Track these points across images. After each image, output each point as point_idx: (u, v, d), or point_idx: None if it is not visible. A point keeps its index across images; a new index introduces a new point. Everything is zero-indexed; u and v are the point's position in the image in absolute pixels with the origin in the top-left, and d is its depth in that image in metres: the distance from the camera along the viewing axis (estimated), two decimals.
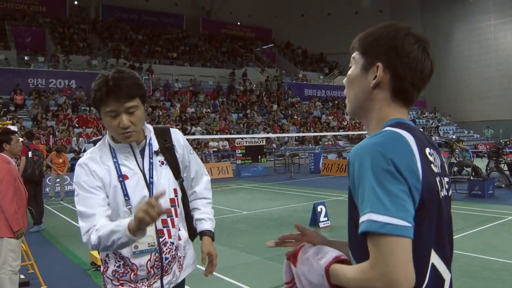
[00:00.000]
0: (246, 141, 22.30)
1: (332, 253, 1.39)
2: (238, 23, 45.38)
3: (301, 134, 28.46)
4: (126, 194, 2.11)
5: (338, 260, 1.36)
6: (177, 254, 2.26)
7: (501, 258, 6.61)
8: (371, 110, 1.39)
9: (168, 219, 2.22)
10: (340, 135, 30.94)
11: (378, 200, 1.15)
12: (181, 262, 2.30)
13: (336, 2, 45.15)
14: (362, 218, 1.17)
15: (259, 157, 22.24)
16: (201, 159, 22.05)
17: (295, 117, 31.55)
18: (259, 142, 22.58)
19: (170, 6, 41.00)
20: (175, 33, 39.11)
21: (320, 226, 9.09)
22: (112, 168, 2.13)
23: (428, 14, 43.10)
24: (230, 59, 38.43)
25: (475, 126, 37.98)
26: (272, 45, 44.02)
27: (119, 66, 29.57)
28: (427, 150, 1.30)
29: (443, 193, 1.32)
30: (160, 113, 25.66)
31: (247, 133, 26.26)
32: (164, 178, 2.23)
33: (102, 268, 2.21)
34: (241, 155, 21.98)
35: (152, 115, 25.10)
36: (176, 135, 2.36)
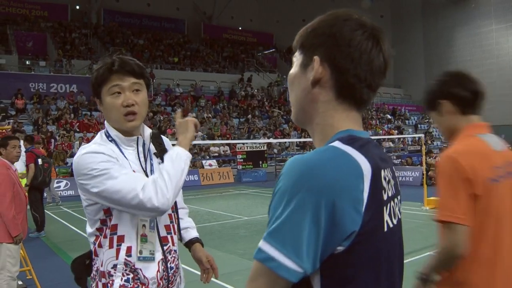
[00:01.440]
0: (247, 146, 22.27)
1: None
2: (240, 28, 45.43)
3: (302, 140, 28.38)
4: None
5: None
6: (179, 263, 2.15)
7: None
8: (314, 114, 1.16)
9: (171, 225, 2.11)
10: None
11: (282, 228, 0.98)
12: (180, 273, 2.20)
13: (337, 7, 44.53)
14: (260, 244, 1.01)
15: (260, 162, 22.22)
16: (202, 164, 22.05)
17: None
18: (260, 147, 22.56)
19: (171, 11, 41.04)
20: (177, 37, 39.15)
21: None
22: (123, 159, 1.95)
23: (430, 19, 43.10)
24: (232, 64, 38.46)
25: None
26: (273, 50, 44.05)
27: None
28: (383, 173, 1.09)
29: (389, 225, 1.10)
30: (162, 118, 25.65)
31: (248, 138, 26.25)
32: None
33: (100, 285, 1.96)
34: (242, 160, 21.96)
35: (153, 120, 25.08)
36: (167, 140, 2.24)
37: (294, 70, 1.21)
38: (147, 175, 1.99)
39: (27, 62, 28.63)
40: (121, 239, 1.93)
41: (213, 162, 22.89)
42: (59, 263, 7.53)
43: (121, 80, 1.92)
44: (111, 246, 1.93)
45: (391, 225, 1.11)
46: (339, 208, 0.96)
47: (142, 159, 2.04)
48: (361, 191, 1.00)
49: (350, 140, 1.08)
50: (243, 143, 22.72)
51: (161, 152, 2.09)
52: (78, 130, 22.77)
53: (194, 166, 21.82)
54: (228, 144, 25.08)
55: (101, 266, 1.95)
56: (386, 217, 1.08)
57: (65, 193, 17.57)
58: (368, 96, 1.14)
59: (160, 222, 2.05)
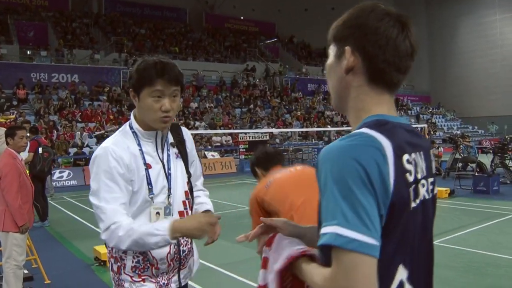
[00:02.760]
0: (249, 136, 22.26)
1: (288, 252, 1.33)
2: (242, 18, 45.24)
3: (304, 129, 28.40)
4: (149, 183, 2.10)
5: (303, 255, 1.30)
6: (192, 248, 2.31)
7: (507, 255, 6.57)
8: (348, 99, 1.28)
9: (184, 211, 2.24)
10: (343, 130, 30.86)
11: (347, 213, 1.04)
12: (194, 256, 2.35)
13: None
14: (326, 229, 1.06)
15: None
16: (204, 154, 22.07)
17: (299, 112, 31.48)
18: (262, 137, 22.55)
19: (173, 0, 40.89)
20: (178, 27, 39.00)
21: None
22: (138, 155, 2.11)
23: (433, 9, 42.92)
24: (234, 54, 38.34)
25: (479, 122, 37.91)
26: (275, 39, 43.90)
27: (122, 60, 29.73)
28: (405, 157, 1.15)
29: (415, 203, 1.19)
30: None
31: (250, 128, 26.23)
32: (180, 170, 2.25)
33: (115, 266, 2.15)
34: (244, 150, 21.95)
35: None
36: (185, 130, 2.39)
37: (329, 61, 1.32)
38: (163, 164, 2.18)
39: (28, 52, 28.53)
40: None
41: (215, 153, 22.88)
42: (64, 252, 7.56)
43: (165, 87, 2.04)
44: None
45: (415, 205, 1.18)
46: (376, 181, 1.06)
47: (159, 150, 2.19)
48: (387, 170, 1.09)
49: (377, 124, 1.17)
50: (245, 133, 22.70)
51: (178, 142, 2.28)
52: (80, 120, 22.76)
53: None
54: (230, 134, 25.07)
55: (112, 251, 2.16)
56: (411, 196, 1.16)
57: (67, 183, 17.59)
58: (397, 79, 1.24)
59: (174, 209, 2.18)
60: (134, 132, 2.15)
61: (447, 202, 11.23)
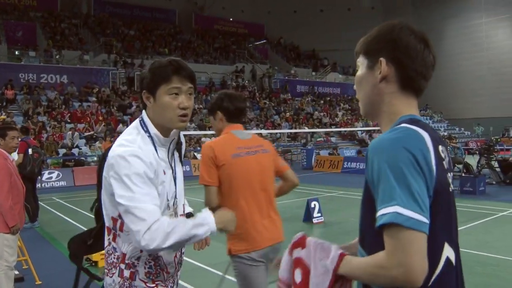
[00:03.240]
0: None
1: (336, 251, 1.46)
2: (231, 19, 45.30)
3: (293, 130, 28.50)
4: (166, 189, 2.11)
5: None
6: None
7: (494, 253, 6.70)
8: (381, 104, 1.47)
9: (185, 216, 2.28)
10: (332, 131, 31.02)
11: (403, 194, 1.22)
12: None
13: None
14: (386, 210, 1.23)
15: None
16: (194, 155, 22.06)
17: (287, 113, 31.58)
18: None
19: (162, 1, 40.83)
20: (168, 28, 38.97)
21: (314, 222, 9.16)
22: (158, 161, 2.05)
23: (421, 11, 43.24)
24: (223, 55, 38.37)
25: (466, 123, 38.25)
26: (264, 41, 43.99)
27: (111, 61, 29.64)
28: (440, 148, 1.37)
29: (451, 188, 1.42)
30: None
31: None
32: (181, 174, 2.27)
33: (126, 272, 2.06)
34: None
35: None
36: (181, 134, 2.34)
37: (361, 72, 1.53)
38: (172, 169, 2.15)
39: (16, 52, 28.37)
40: None
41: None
42: (55, 253, 7.57)
43: (182, 83, 2.05)
44: None
45: (451, 190, 1.42)
46: (423, 165, 1.26)
47: (170, 155, 2.16)
48: (430, 157, 1.29)
49: (413, 121, 1.37)
50: None
51: (179, 146, 2.28)
52: (69, 120, 22.66)
53: (185, 157, 21.81)
54: None
55: (125, 258, 2.05)
56: (449, 181, 1.41)
57: (57, 184, 17.52)
58: (423, 86, 1.47)
59: (178, 213, 2.20)
60: (150, 137, 2.07)
61: None
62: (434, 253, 1.30)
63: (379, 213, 1.25)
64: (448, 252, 1.36)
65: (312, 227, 9.01)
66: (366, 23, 45.89)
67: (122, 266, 2.05)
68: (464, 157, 15.42)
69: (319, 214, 9.36)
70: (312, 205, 9.36)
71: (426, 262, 1.23)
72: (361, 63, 1.52)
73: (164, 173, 2.07)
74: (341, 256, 1.41)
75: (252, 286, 3.11)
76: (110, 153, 1.98)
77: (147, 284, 2.06)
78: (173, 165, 2.17)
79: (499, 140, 21.12)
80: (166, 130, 2.10)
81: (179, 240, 1.88)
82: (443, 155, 1.37)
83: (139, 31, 36.46)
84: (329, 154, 24.11)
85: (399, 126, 1.35)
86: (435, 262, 1.31)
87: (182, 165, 2.31)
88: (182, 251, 2.24)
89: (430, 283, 1.31)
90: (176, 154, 2.24)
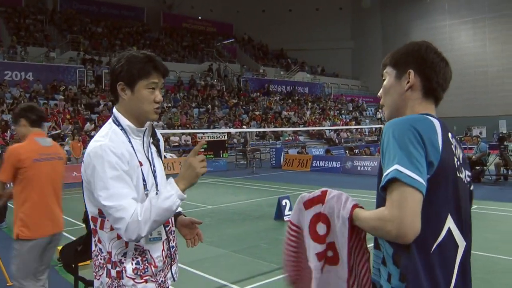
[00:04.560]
0: (208, 136, 22.29)
1: (351, 203, 1.71)
2: (200, 18, 45.15)
3: (262, 129, 28.64)
4: (144, 179, 2.12)
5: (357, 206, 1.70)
6: (177, 243, 2.34)
7: (474, 250, 6.93)
8: (406, 109, 1.74)
9: None
10: (300, 130, 31.31)
11: (403, 157, 1.46)
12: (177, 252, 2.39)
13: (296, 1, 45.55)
14: (389, 170, 1.47)
15: (221, 152, 22.30)
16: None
17: (256, 112, 31.71)
18: (220, 137, 22.62)
19: None
20: (136, 26, 38.56)
21: (285, 219, 9.28)
22: (131, 151, 2.10)
23: (388, 12, 44.02)
24: (191, 54, 38.23)
25: None
26: (233, 40, 44.01)
27: (79, 59, 29.17)
28: (450, 134, 1.65)
29: (461, 174, 1.65)
30: None
31: (208, 128, 26.26)
32: (160, 167, 2.29)
33: (113, 272, 2.07)
34: (202, 150, 22.00)
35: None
36: (157, 131, 2.41)
37: (389, 81, 1.81)
38: (149, 162, 2.20)
39: None
40: None
41: (173, 154, 22.82)
42: None
43: (159, 79, 2.18)
44: (119, 237, 2.05)
45: (461, 176, 1.65)
46: (428, 140, 1.51)
47: (145, 147, 2.21)
48: (436, 137, 1.55)
49: (427, 114, 1.66)
50: (203, 133, 22.70)
51: (156, 141, 2.32)
52: None
53: None
54: (188, 134, 25.03)
55: (111, 256, 2.08)
56: (456, 164, 1.62)
57: None
58: (442, 96, 1.77)
59: None
60: (123, 129, 2.14)
61: None
62: (437, 222, 1.53)
63: (385, 173, 1.49)
64: (450, 224, 1.56)
65: (284, 225, 9.12)
66: (334, 23, 46.63)
67: (109, 266, 2.08)
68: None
69: (290, 212, 9.48)
70: (283, 203, 9.50)
71: (418, 223, 1.43)
72: (389, 73, 1.82)
73: (142, 164, 2.12)
74: (353, 208, 1.65)
75: (28, 267, 3.87)
76: (86, 152, 2.06)
77: (135, 281, 2.07)
78: (150, 158, 2.21)
79: (462, 139, 21.73)
80: (140, 122, 2.18)
81: (155, 220, 1.93)
82: (452, 141, 1.64)
83: (107, 29, 35.98)
84: (298, 153, 24.34)
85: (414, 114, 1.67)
86: (437, 231, 1.53)
87: (162, 161, 2.34)
88: (171, 245, 2.25)
89: (432, 249, 1.51)
90: (154, 149, 2.28)
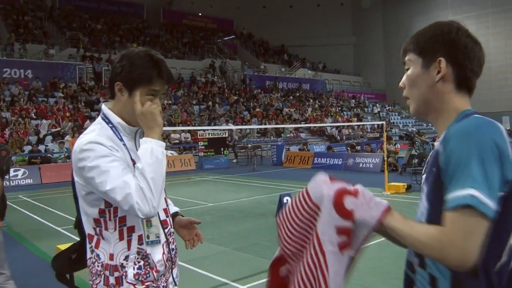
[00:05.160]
0: (208, 133, 22.21)
1: (384, 204, 1.44)
2: (200, 14, 45.00)
3: (263, 126, 28.52)
4: None
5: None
6: (176, 245, 2.23)
7: None
8: (439, 103, 1.49)
9: (167, 208, 2.20)
10: (301, 127, 31.19)
11: (481, 181, 1.23)
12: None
13: None
14: (461, 192, 1.25)
15: (222, 149, 22.21)
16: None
17: (257, 109, 31.60)
18: (221, 134, 22.53)
19: None
20: (135, 22, 38.42)
21: None
22: (123, 148, 1.99)
23: (389, 8, 43.89)
24: (192, 50, 38.10)
25: None
26: (233, 36, 43.87)
27: (78, 56, 29.05)
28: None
29: None
30: None
31: (209, 125, 26.16)
32: None
33: (112, 279, 1.97)
34: (203, 147, 21.90)
35: None
36: None
37: (414, 71, 1.53)
38: None
39: None
40: (131, 229, 1.97)
41: (173, 152, 22.74)
42: (23, 252, 7.38)
43: (161, 87, 2.02)
44: (121, 238, 1.95)
45: None
46: (504, 156, 1.28)
47: (138, 147, 2.05)
48: (508, 148, 1.31)
49: (480, 114, 1.41)
50: (204, 130, 22.62)
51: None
52: (34, 117, 22.11)
53: None
54: (189, 131, 24.92)
55: (111, 260, 1.96)
56: None
57: (23, 181, 17.13)
58: (475, 85, 1.51)
59: (159, 206, 2.04)
60: (113, 127, 2.02)
61: (405, 197, 11.55)
62: (502, 240, 1.35)
63: (452, 195, 1.27)
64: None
65: None
66: (335, 19, 46.49)
67: (107, 273, 1.96)
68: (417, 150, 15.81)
69: None
70: (285, 200, 9.38)
71: (481, 250, 1.25)
72: (414, 61, 1.54)
73: (135, 163, 1.95)
74: (384, 212, 1.40)
75: None
76: (74, 150, 1.93)
77: (136, 286, 1.97)
78: None
79: None
80: (132, 124, 2.04)
81: (152, 178, 1.82)
82: None
83: (106, 25, 35.84)
84: (299, 150, 24.24)
85: (473, 116, 1.40)
86: (501, 249, 1.35)
87: None
88: (171, 247, 2.13)
89: (496, 268, 1.34)
90: None
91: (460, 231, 1.24)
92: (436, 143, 1.48)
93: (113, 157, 1.87)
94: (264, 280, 5.54)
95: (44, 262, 6.72)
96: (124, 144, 2.00)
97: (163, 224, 2.09)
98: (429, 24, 1.53)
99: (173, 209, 2.37)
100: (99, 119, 2.07)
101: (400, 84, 1.60)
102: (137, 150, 2.03)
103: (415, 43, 1.54)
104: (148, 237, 1.98)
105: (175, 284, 2.18)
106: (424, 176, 1.51)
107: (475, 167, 1.25)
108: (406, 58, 1.56)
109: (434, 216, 1.38)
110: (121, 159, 1.91)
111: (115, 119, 2.03)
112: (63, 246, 6.49)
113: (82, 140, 1.91)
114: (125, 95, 2.00)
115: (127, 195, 1.78)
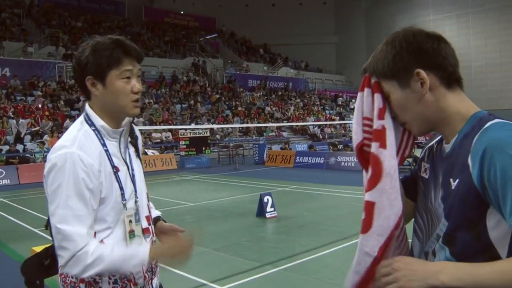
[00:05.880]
0: (190, 132, 22.09)
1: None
2: (182, 12, 44.76)
3: (245, 125, 28.47)
4: (121, 188, 1.87)
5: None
6: None
7: None
8: (438, 113, 1.39)
9: (150, 215, 2.06)
10: (283, 126, 31.21)
11: None
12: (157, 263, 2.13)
13: None
14: None
15: (203, 148, 22.10)
16: (144, 151, 21.70)
17: (239, 108, 31.53)
18: (203, 133, 22.43)
19: None
20: (117, 20, 38.12)
21: (267, 216, 9.15)
22: (104, 157, 1.84)
23: (372, 7, 44.16)
24: (174, 49, 37.89)
25: None
26: (216, 35, 43.74)
27: (58, 54, 28.67)
28: None
29: None
30: None
31: (191, 124, 26.02)
32: (139, 170, 2.03)
33: None
34: (185, 146, 21.77)
35: None
36: (134, 126, 2.12)
37: (397, 96, 1.42)
38: (127, 165, 1.94)
39: None
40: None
41: (155, 151, 22.59)
42: None
43: (133, 65, 1.87)
44: None
45: None
46: None
47: (122, 150, 1.95)
48: None
49: (493, 115, 1.34)
50: (185, 129, 22.49)
51: (134, 140, 2.05)
52: (12, 116, 21.73)
53: None
54: (170, 130, 24.76)
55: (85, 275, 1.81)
56: None
57: (0, 182, 16.82)
58: (460, 74, 1.43)
59: (141, 214, 1.98)
60: (96, 130, 1.87)
61: None
62: None
63: None
64: None
65: (266, 222, 9.01)
66: (318, 18, 46.58)
67: (82, 286, 1.82)
68: (414, 151, 15.75)
69: (272, 209, 9.36)
70: (265, 200, 9.35)
71: None
72: (390, 87, 1.42)
73: (118, 170, 1.87)
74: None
75: None
76: (48, 156, 1.78)
77: None
78: (128, 161, 1.96)
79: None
80: (117, 120, 1.91)
81: (102, 270, 1.72)
82: None
83: (87, 23, 35.46)
84: (281, 148, 24.25)
85: (500, 121, 1.31)
86: None
87: (141, 161, 2.08)
88: None
89: None
90: (132, 149, 2.02)
91: None
92: (433, 143, 1.49)
93: (83, 191, 1.74)
94: (242, 281, 5.49)
95: (19, 264, 6.58)
96: (106, 150, 1.86)
97: (145, 232, 1.97)
98: (388, 41, 1.44)
99: (154, 213, 2.22)
100: (81, 118, 1.92)
101: (392, 114, 1.48)
102: (121, 152, 1.93)
103: (381, 68, 1.43)
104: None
105: None
106: (438, 192, 1.41)
107: None
108: (383, 86, 1.45)
109: (460, 233, 1.31)
110: (93, 192, 1.77)
111: (98, 122, 1.88)
112: (38, 248, 6.36)
113: (61, 153, 1.77)
114: (100, 87, 1.85)
115: (65, 248, 1.69)
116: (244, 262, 6.39)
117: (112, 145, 1.90)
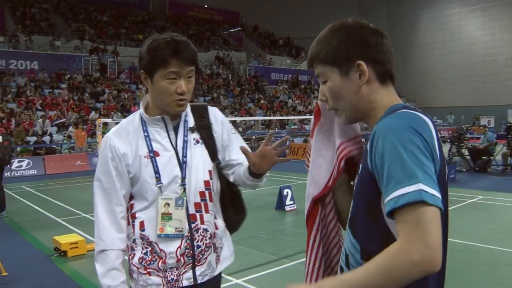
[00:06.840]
0: None
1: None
2: (205, 6, 44.80)
3: (267, 118, 28.46)
4: (157, 172, 1.99)
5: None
6: (212, 243, 2.11)
7: (461, 239, 6.81)
8: (369, 104, 1.44)
9: (202, 203, 2.07)
10: (306, 119, 31.10)
11: (422, 174, 1.16)
12: (219, 254, 2.17)
13: None
14: (406, 189, 1.15)
15: None
16: None
17: (262, 101, 31.54)
18: None
19: None
20: (141, 14, 38.36)
21: (286, 209, 9.19)
22: (142, 142, 2.02)
23: (394, 1, 43.53)
24: (197, 42, 38.02)
25: (438, 112, 38.79)
26: (239, 28, 43.71)
27: (84, 47, 29.09)
28: (438, 135, 1.34)
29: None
30: (126, 96, 25.27)
31: None
32: (198, 158, 2.08)
33: (128, 256, 2.07)
34: None
35: (117, 98, 24.71)
36: (214, 112, 2.22)
37: (334, 82, 1.44)
38: (177, 154, 2.05)
39: None
40: (133, 216, 2.05)
41: None
42: (22, 243, 7.42)
43: (180, 68, 1.94)
44: (129, 223, 2.06)
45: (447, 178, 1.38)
46: (432, 148, 1.23)
47: (172, 136, 2.06)
48: (434, 141, 1.25)
49: (407, 107, 1.37)
50: None
51: (200, 127, 2.13)
52: (40, 108, 22.19)
53: None
54: None
55: (127, 240, 2.07)
56: (446, 168, 1.37)
57: (27, 172, 17.21)
58: (394, 71, 1.47)
59: (190, 200, 2.04)
60: (141, 118, 2.07)
61: None
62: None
63: (394, 194, 1.16)
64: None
65: (285, 215, 9.04)
66: (341, 11, 46.11)
67: (128, 250, 2.10)
68: None
69: (292, 202, 9.39)
70: (285, 193, 9.38)
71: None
72: (329, 72, 1.45)
73: (158, 155, 2.00)
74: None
75: None
76: None
77: (140, 270, 2.02)
78: (180, 147, 2.05)
79: (469, 128, 21.49)
80: (166, 112, 2.03)
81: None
82: (439, 141, 1.34)
83: (112, 17, 35.81)
84: (304, 141, 24.19)
85: (399, 111, 1.32)
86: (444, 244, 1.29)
87: (214, 148, 2.14)
88: (196, 244, 2.04)
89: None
90: (192, 136, 2.11)
91: (419, 230, 1.12)
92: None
93: (109, 168, 2.02)
94: (259, 274, 5.54)
95: (40, 253, 6.77)
96: (147, 136, 2.03)
97: (191, 218, 2.04)
98: (335, 28, 1.47)
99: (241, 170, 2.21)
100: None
101: (320, 97, 1.53)
102: (169, 138, 2.05)
103: (324, 53, 1.45)
104: (161, 230, 1.99)
105: (196, 282, 2.07)
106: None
107: (410, 162, 1.17)
108: (317, 70, 1.49)
109: (357, 215, 1.37)
110: (118, 171, 2.01)
111: (141, 110, 2.09)
112: (59, 238, 6.55)
113: (111, 131, 2.11)
114: (149, 82, 2.00)
115: (96, 235, 2.03)
116: (261, 255, 6.41)
117: (155, 132, 2.04)
